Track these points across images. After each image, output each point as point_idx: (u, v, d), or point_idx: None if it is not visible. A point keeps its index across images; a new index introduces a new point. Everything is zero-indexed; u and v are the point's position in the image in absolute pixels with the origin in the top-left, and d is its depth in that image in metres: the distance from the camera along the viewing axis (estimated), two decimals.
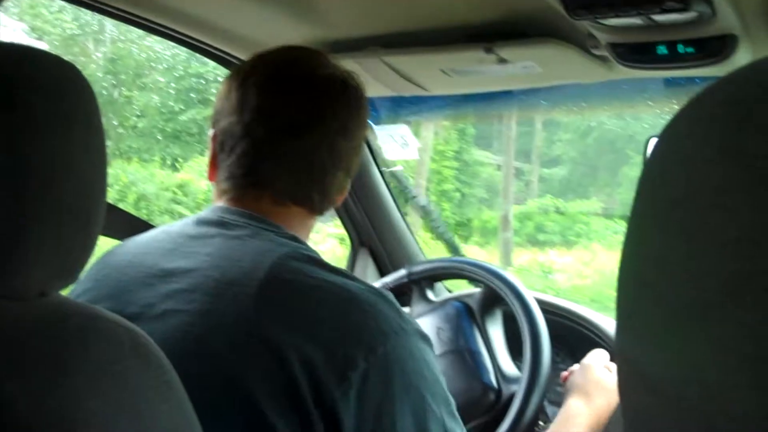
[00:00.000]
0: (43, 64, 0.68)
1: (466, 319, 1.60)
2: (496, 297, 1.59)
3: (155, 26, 1.51)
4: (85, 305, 0.74)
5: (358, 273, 2.09)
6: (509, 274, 1.59)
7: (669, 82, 1.55)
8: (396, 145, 1.97)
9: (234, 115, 1.08)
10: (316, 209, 1.11)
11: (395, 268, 1.82)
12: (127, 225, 1.21)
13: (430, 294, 1.72)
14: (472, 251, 8.72)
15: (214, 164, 1.11)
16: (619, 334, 0.49)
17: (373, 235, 2.10)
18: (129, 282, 1.02)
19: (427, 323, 1.62)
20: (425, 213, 2.17)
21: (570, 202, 11.51)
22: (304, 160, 1.07)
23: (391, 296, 1.01)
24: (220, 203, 1.09)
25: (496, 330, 1.61)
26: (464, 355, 1.54)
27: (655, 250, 0.45)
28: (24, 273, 0.66)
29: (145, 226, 1.26)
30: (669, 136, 0.48)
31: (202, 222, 1.07)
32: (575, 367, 1.49)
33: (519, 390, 1.42)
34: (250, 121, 1.06)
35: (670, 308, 0.43)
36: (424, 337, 1.01)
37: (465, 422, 1.46)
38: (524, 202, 11.78)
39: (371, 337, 0.94)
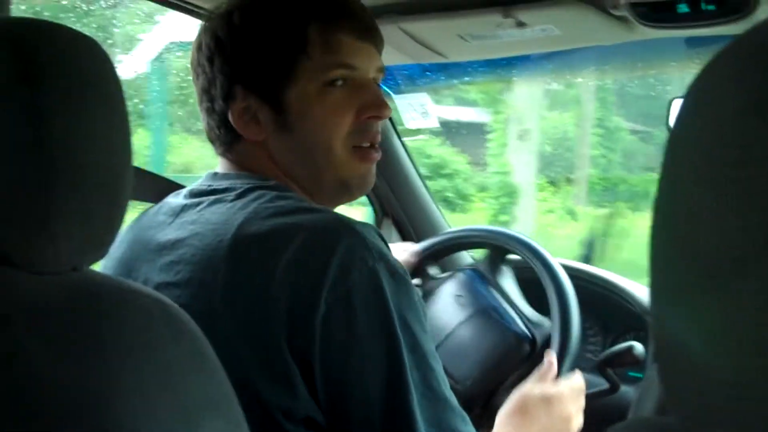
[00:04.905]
0: (62, 38, 0.69)
1: (479, 281, 1.59)
2: (500, 253, 1.59)
3: None
4: (116, 279, 0.75)
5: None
6: (524, 235, 1.58)
7: (691, 42, 1.53)
8: (416, 113, 1.96)
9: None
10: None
11: (419, 239, 1.82)
12: (157, 187, 1.21)
13: (432, 270, 1.72)
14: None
15: None
16: (652, 290, 0.49)
17: (396, 206, 2.09)
18: (135, 258, 1.03)
19: (445, 293, 1.62)
20: None
21: None
22: None
23: (362, 227, 0.96)
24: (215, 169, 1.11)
25: (509, 283, 1.60)
26: (489, 313, 1.54)
27: (688, 206, 0.44)
28: (55, 247, 0.67)
29: (176, 186, 1.27)
30: (696, 92, 0.47)
31: (194, 193, 1.07)
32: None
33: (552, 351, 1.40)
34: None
35: (703, 264, 0.43)
36: (395, 273, 0.95)
37: (506, 374, 1.46)
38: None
39: (333, 276, 0.90)
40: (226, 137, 1.08)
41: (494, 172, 8.75)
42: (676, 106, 1.53)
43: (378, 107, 1.07)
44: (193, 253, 0.96)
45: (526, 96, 8.36)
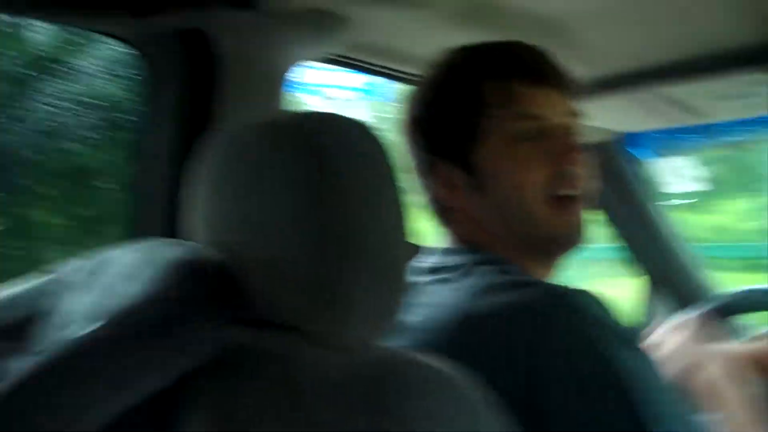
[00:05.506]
0: (346, 129, 0.76)
1: None
2: None
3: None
4: (407, 352, 0.78)
5: (653, 312, 2.04)
6: None
7: None
8: (675, 177, 1.92)
9: None
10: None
11: (688, 304, 1.76)
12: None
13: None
14: None
15: None
16: None
17: (666, 273, 2.04)
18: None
19: None
20: None
21: None
22: None
23: (575, 296, 0.91)
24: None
25: None
26: None
27: None
28: (348, 323, 0.72)
29: (412, 249, 1.31)
30: None
31: (426, 271, 1.07)
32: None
33: None
34: None
35: None
36: (618, 337, 0.89)
37: None
38: None
39: (552, 354, 0.87)
40: (439, 210, 1.10)
41: None
42: None
43: (568, 154, 1.03)
44: (422, 337, 0.96)
45: None
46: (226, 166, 0.79)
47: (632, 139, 1.93)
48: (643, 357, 0.91)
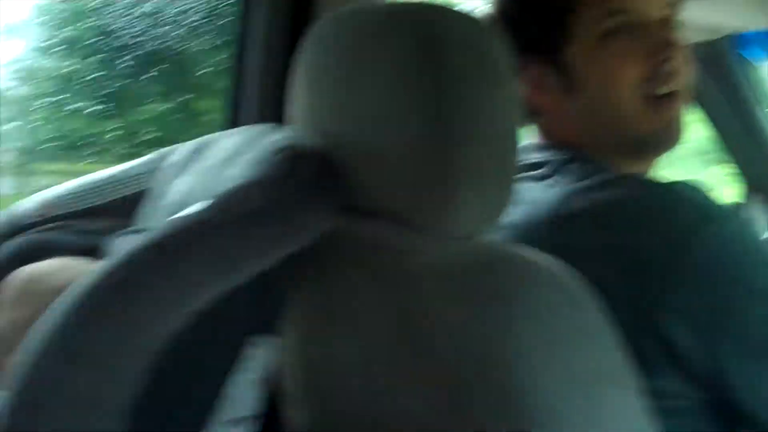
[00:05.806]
0: (459, 20, 0.75)
1: None
2: None
3: None
4: (509, 247, 0.79)
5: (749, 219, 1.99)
6: None
7: None
8: None
9: None
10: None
11: None
12: None
13: None
14: None
15: None
16: None
17: (766, 180, 1.98)
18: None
19: None
20: None
21: None
22: None
23: (682, 190, 0.89)
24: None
25: None
26: None
27: None
28: (455, 216, 0.72)
29: None
30: None
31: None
32: None
33: None
34: None
35: None
36: (734, 219, 0.87)
37: None
38: None
39: (673, 246, 0.84)
40: (529, 110, 1.07)
41: None
42: None
43: (664, 50, 0.97)
44: (514, 234, 0.94)
45: None
46: (330, 54, 0.78)
47: (743, 39, 1.85)
48: (753, 235, 0.91)
